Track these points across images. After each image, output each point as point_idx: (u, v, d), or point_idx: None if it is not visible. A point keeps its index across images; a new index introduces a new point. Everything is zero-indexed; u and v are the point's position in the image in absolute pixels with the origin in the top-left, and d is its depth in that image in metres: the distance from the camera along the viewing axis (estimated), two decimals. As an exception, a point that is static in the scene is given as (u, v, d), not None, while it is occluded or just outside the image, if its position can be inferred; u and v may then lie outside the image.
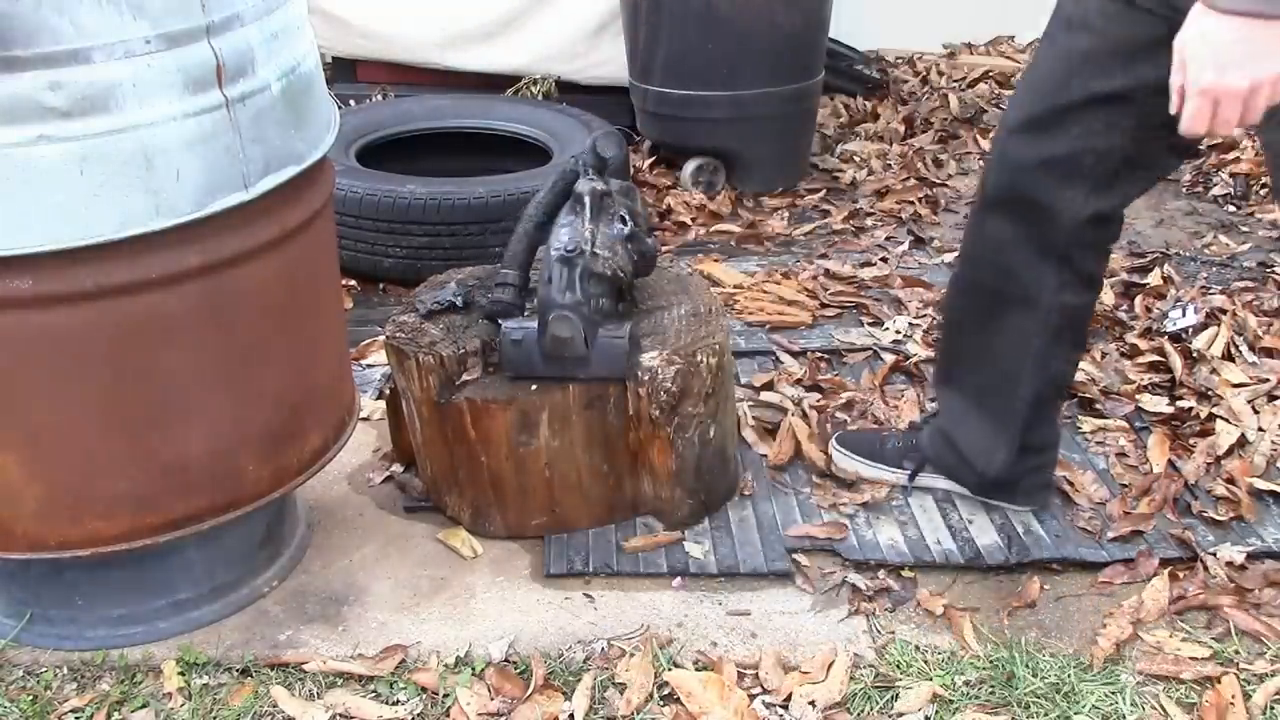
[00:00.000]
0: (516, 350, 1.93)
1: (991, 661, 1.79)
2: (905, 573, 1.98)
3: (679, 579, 1.98)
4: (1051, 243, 1.77)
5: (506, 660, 1.82)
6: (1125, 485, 2.18)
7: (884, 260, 3.18)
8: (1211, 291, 2.88)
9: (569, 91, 3.90)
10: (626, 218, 2.04)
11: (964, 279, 1.95)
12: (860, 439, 2.22)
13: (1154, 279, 2.93)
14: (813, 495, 2.16)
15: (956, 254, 1.99)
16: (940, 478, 2.12)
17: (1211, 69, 1.33)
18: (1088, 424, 2.36)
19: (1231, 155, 3.68)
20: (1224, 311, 2.74)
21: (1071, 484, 2.16)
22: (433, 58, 3.97)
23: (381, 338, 2.26)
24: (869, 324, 2.80)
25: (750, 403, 2.43)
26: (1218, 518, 2.08)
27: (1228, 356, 2.58)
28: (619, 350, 1.91)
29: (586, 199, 2.00)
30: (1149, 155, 1.72)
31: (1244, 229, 3.39)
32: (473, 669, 1.80)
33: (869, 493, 2.15)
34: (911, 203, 3.60)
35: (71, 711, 1.74)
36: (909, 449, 2.14)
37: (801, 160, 3.80)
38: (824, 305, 2.90)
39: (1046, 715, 1.70)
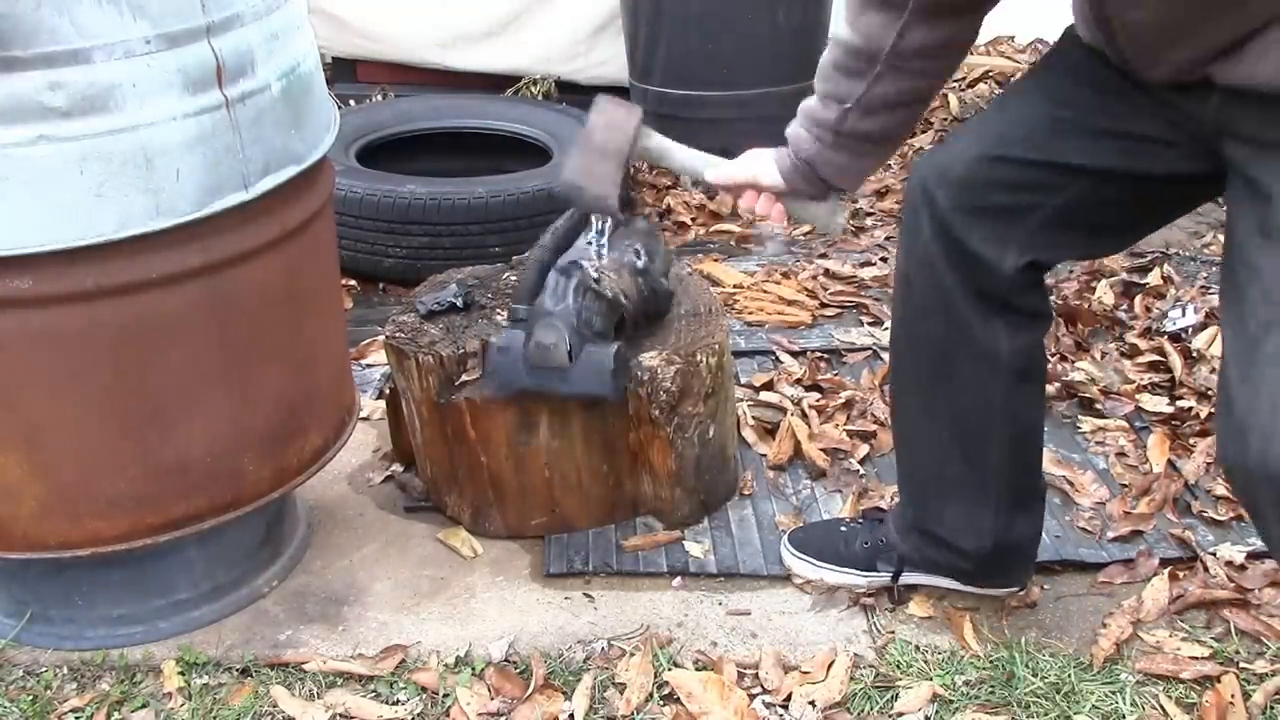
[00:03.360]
0: (502, 358, 1.87)
1: (991, 661, 1.79)
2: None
3: (679, 579, 1.98)
4: (989, 292, 1.59)
5: (506, 660, 1.82)
6: (1125, 485, 2.18)
7: (884, 260, 3.18)
8: (1211, 291, 2.88)
9: (569, 91, 3.90)
10: (641, 252, 1.99)
11: (906, 340, 1.73)
12: (817, 539, 1.97)
13: (1154, 279, 2.93)
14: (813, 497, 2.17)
15: (890, 324, 1.77)
16: (923, 574, 1.89)
17: None
18: (1088, 424, 2.36)
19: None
20: (1224, 311, 2.74)
21: (1071, 484, 2.16)
22: (433, 58, 3.97)
23: (381, 338, 2.26)
24: (869, 324, 2.80)
25: (750, 403, 2.43)
26: (1218, 518, 2.08)
27: (1228, 356, 2.58)
28: (603, 367, 1.82)
29: (599, 220, 1.94)
30: (1096, 230, 1.58)
31: (1244, 229, 3.38)
32: (473, 669, 1.80)
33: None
34: (911, 203, 3.60)
35: (71, 711, 1.74)
36: (879, 548, 1.90)
37: (801, 160, 3.80)
38: (824, 305, 2.90)
39: (1046, 715, 1.70)
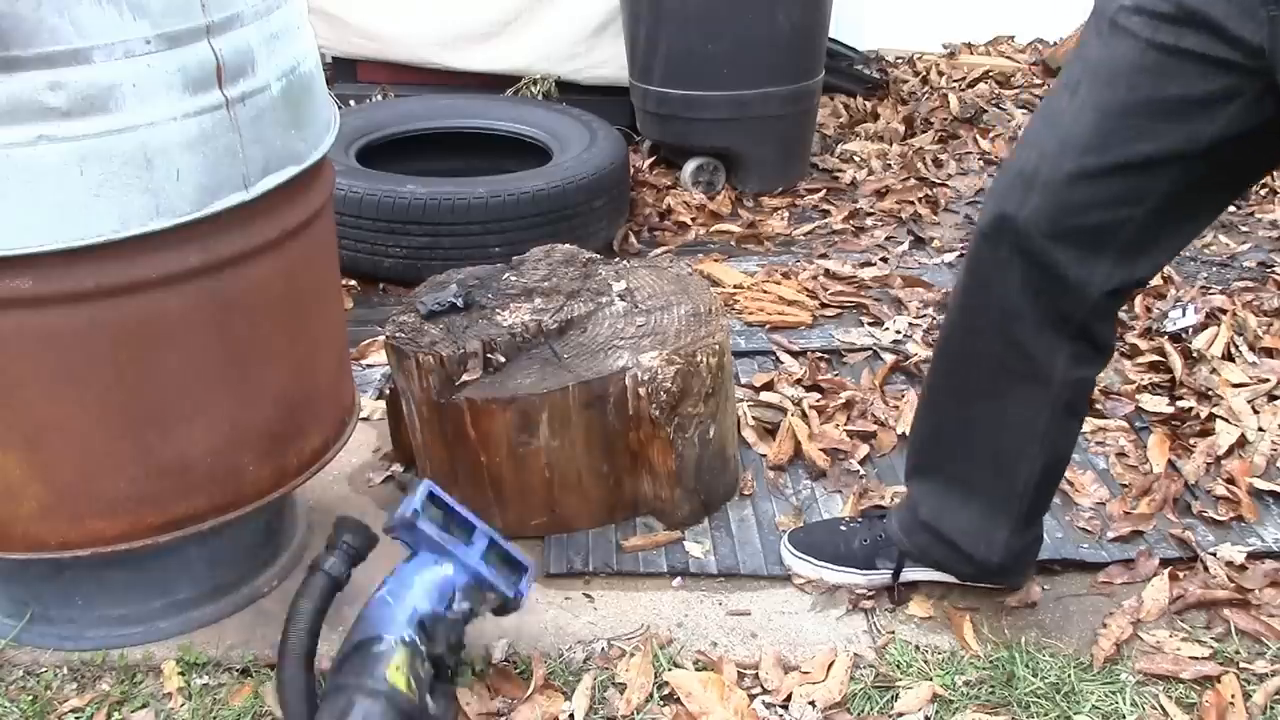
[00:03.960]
0: None
1: (991, 661, 1.80)
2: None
3: (679, 579, 1.98)
4: (1068, 316, 1.58)
5: (506, 660, 1.82)
6: (1125, 485, 2.18)
7: (884, 260, 3.18)
8: (1211, 291, 2.88)
9: (569, 91, 3.90)
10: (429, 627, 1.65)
11: (956, 351, 1.72)
12: (816, 538, 1.98)
13: (1154, 279, 2.93)
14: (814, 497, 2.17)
15: (942, 324, 1.76)
16: (924, 569, 1.90)
17: None
18: (1088, 424, 2.36)
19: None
20: (1224, 311, 2.74)
21: (1071, 484, 2.16)
22: (433, 58, 3.97)
23: (381, 338, 2.25)
24: (869, 324, 2.80)
25: (750, 403, 2.43)
26: (1218, 518, 2.08)
27: (1228, 356, 2.58)
28: None
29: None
30: (1182, 221, 1.54)
31: (1244, 229, 3.39)
32: (473, 669, 1.80)
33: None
34: (911, 203, 3.60)
35: (71, 711, 1.74)
36: (879, 545, 1.90)
37: (801, 160, 3.80)
38: (824, 305, 2.90)
39: (1046, 715, 1.70)
